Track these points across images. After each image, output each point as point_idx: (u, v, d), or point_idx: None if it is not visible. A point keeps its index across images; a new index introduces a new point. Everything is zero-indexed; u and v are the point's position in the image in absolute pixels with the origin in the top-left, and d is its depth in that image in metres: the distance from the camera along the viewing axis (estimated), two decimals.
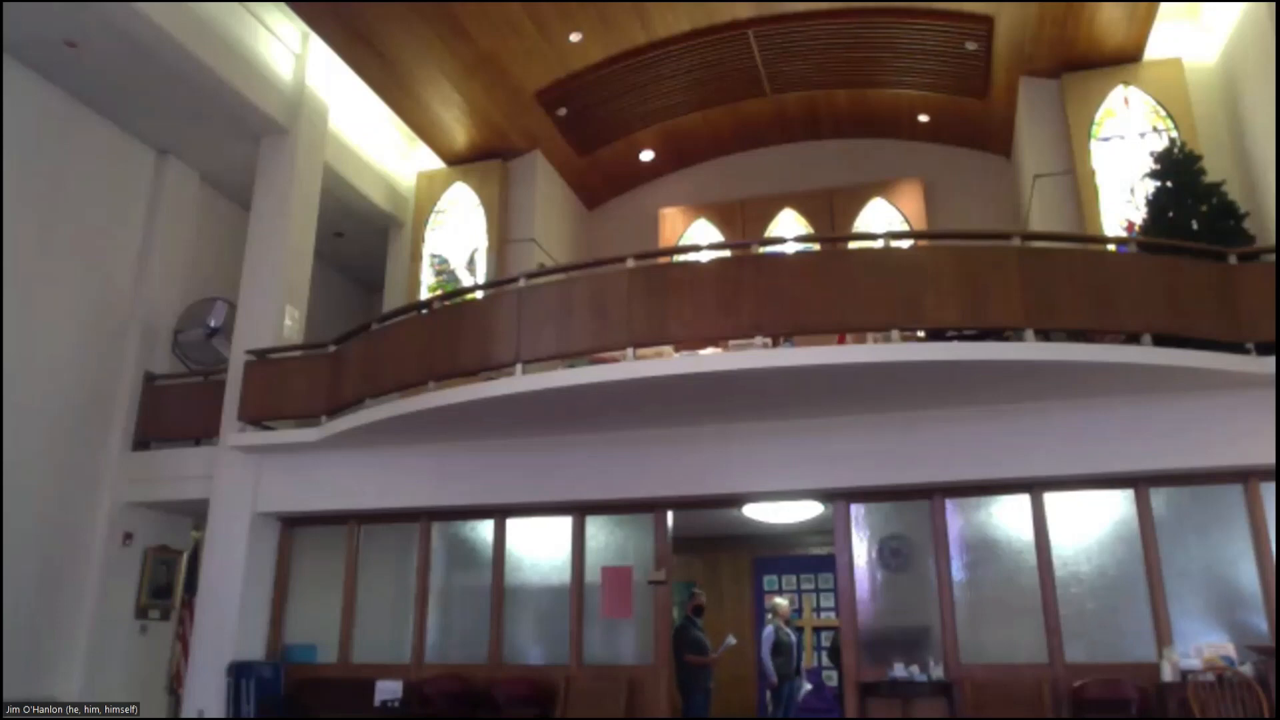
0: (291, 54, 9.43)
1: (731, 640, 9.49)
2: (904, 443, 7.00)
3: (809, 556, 11.66)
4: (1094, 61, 9.13)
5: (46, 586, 8.07)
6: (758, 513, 9.68)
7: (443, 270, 10.74)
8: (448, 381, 7.11)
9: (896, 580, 7.30)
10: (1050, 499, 7.07)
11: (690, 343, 6.74)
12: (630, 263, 6.83)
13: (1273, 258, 6.56)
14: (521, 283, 7.20)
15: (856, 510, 7.45)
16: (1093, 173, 8.92)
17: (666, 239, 11.25)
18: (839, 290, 6.41)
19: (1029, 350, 6.08)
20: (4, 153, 7.89)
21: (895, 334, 6.20)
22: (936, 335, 6.47)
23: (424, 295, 10.42)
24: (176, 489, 8.69)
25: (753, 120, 11.26)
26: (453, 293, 8.61)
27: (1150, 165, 7.78)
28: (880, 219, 10.67)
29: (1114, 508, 6.99)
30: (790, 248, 8.32)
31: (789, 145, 11.65)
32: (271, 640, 8.26)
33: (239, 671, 7.74)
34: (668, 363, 6.42)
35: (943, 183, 10.92)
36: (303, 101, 9.38)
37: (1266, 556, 6.52)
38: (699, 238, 11.22)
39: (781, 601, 10.19)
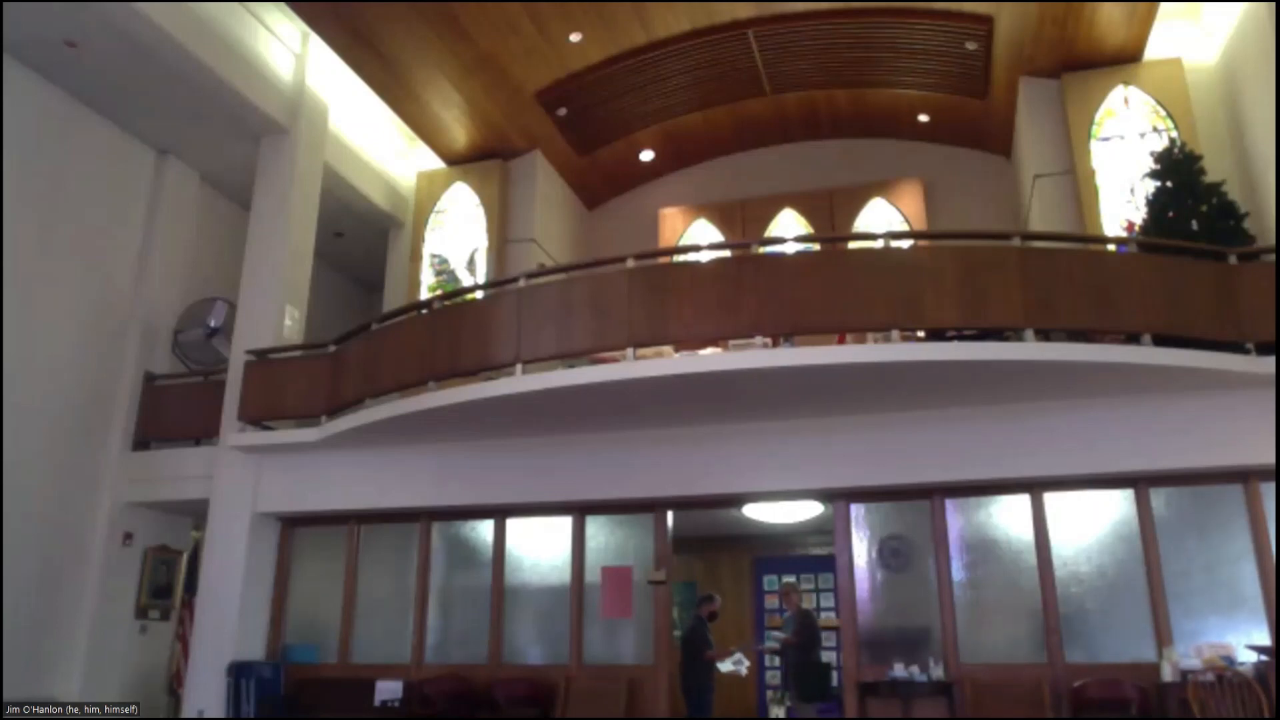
0: (291, 54, 9.42)
1: (744, 666, 9.13)
2: (904, 443, 7.00)
3: (809, 556, 11.64)
4: (1094, 61, 9.12)
5: (46, 586, 8.07)
6: (758, 513, 9.67)
7: (443, 270, 10.74)
8: (447, 381, 7.11)
9: (896, 580, 7.30)
10: (1050, 499, 7.07)
11: (690, 343, 6.74)
12: (630, 263, 6.84)
13: (1273, 258, 6.56)
14: (521, 283, 7.20)
15: (856, 510, 7.45)
16: (1093, 173, 8.92)
17: (666, 239, 11.24)
18: (839, 290, 6.42)
19: (1029, 350, 6.08)
20: (4, 153, 7.89)
21: (895, 334, 6.19)
22: (936, 335, 6.47)
23: (424, 295, 10.42)
24: (176, 489, 8.70)
25: (753, 120, 11.25)
26: (453, 293, 8.60)
27: (1150, 165, 7.77)
28: (880, 219, 10.66)
29: (1114, 508, 6.99)
30: (790, 248, 8.32)
31: (789, 145, 11.65)
32: (271, 640, 8.26)
33: (239, 671, 7.74)
34: (668, 363, 6.42)
35: (943, 183, 10.92)
36: (303, 101, 9.38)
37: (1266, 556, 6.52)
38: (699, 238, 11.21)
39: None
